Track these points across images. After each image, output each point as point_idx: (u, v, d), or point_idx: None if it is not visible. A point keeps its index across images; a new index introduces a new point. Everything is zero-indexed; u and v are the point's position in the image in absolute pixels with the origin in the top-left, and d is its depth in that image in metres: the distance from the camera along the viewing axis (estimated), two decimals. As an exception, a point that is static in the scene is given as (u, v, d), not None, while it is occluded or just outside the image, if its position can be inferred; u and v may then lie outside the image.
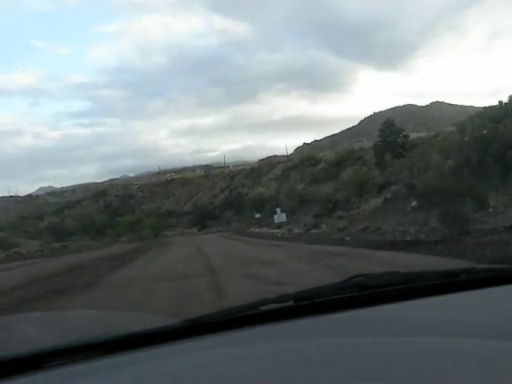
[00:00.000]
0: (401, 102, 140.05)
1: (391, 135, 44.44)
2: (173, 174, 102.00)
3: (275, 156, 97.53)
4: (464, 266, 3.13)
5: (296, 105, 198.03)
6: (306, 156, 75.73)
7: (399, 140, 44.17)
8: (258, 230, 31.88)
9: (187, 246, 24.86)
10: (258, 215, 32.75)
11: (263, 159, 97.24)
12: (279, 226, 29.24)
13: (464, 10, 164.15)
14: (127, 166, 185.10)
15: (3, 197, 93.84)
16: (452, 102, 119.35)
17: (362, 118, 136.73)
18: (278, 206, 30.92)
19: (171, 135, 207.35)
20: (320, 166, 62.96)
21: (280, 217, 28.82)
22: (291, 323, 1.46)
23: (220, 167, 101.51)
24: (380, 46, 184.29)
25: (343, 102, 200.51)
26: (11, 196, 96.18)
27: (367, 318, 1.51)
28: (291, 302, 1.60)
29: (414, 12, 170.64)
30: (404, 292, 1.67)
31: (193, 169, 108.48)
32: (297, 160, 76.30)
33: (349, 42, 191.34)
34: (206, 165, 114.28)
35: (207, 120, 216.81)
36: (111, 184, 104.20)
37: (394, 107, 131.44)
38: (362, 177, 26.62)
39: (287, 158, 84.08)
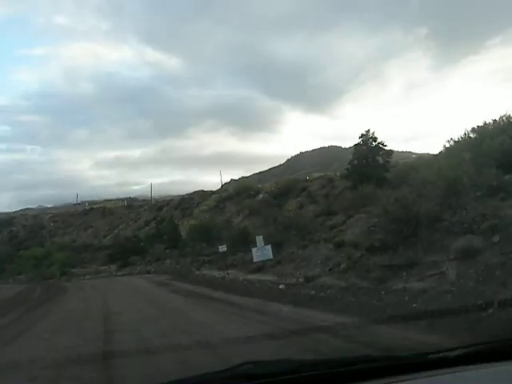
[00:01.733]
0: (326, 144, 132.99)
1: (370, 152, 31.84)
2: (93, 204, 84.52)
3: (203, 191, 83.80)
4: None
5: (225, 142, 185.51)
6: (243, 186, 62.32)
7: (380, 158, 31.80)
8: (218, 273, 17.45)
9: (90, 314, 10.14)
10: (222, 248, 18.12)
11: (191, 193, 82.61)
12: (260, 266, 15.04)
13: (385, 62, 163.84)
14: (45, 196, 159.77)
15: None
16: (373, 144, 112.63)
17: (289, 157, 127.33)
18: (250, 238, 16.69)
19: (95, 166, 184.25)
20: (260, 197, 50.79)
21: (262, 251, 14.76)
22: None
23: (145, 200, 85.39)
24: (309, 90, 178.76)
25: (271, 140, 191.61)
26: None
27: None
28: None
29: (341, 60, 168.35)
30: (295, 382, 1.50)
31: (116, 201, 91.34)
32: (232, 190, 62.49)
33: (279, 84, 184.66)
34: (129, 197, 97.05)
35: (134, 152, 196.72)
36: (22, 214, 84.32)
37: (320, 148, 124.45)
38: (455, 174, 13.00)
39: (221, 189, 70.38)
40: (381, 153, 31.10)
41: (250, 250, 18.87)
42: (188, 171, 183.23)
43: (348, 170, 33.00)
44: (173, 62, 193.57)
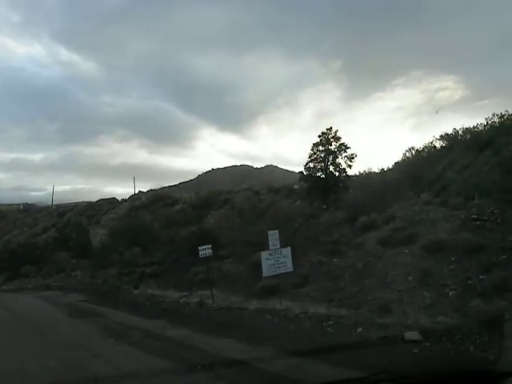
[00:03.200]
0: (237, 163, 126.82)
1: (331, 154, 25.60)
2: (-19, 207, 69.28)
3: (115, 198, 73.02)
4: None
5: (136, 153, 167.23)
6: (159, 195, 53.46)
7: (342, 162, 25.62)
8: (179, 294, 9.51)
9: None
10: (205, 251, 9.99)
11: (99, 200, 71.31)
12: (273, 285, 7.38)
13: (300, 89, 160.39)
14: None
15: None
16: (283, 167, 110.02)
17: (200, 173, 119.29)
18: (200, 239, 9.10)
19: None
20: (178, 207, 42.85)
21: (278, 258, 7.19)
22: None
23: (46, 207, 71.92)
24: (225, 108, 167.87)
25: (183, 156, 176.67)
26: None
27: None
28: None
29: (259, 83, 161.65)
30: None
31: (10, 206, 76.47)
32: (146, 199, 53.35)
33: (196, 100, 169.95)
34: (27, 203, 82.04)
35: (35, 156, 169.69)
36: None
37: (232, 166, 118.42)
38: None
39: (134, 197, 60.71)
40: (344, 155, 24.73)
41: (224, 259, 11.16)
42: (94, 180, 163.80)
43: (302, 173, 26.11)
44: (88, 66, 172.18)
